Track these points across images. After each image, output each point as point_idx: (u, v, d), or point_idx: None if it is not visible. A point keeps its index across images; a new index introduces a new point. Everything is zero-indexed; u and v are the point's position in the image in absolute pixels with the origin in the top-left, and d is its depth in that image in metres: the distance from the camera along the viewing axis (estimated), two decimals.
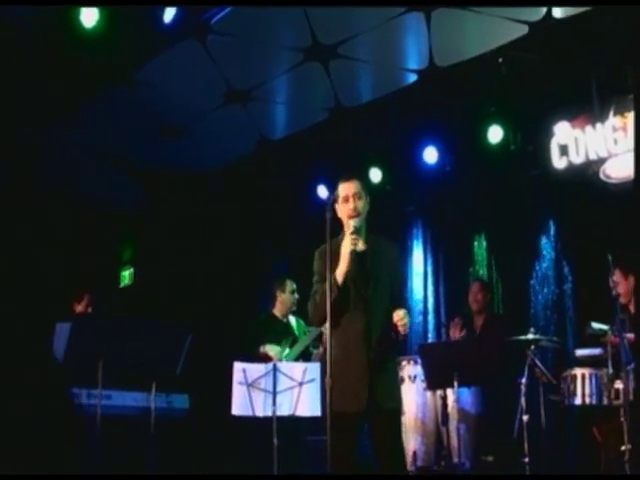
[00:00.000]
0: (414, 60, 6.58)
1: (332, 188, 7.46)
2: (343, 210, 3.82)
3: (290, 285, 6.01)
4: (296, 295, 6.00)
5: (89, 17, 5.72)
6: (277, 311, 6.03)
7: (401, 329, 3.66)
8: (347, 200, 3.81)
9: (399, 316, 3.66)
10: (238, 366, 5.03)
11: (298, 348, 5.70)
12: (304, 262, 6.57)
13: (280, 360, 5.50)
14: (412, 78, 6.76)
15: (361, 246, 3.76)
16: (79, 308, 6.52)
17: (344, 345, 3.71)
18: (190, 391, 6.35)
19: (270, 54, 6.45)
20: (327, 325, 5.16)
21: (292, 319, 6.04)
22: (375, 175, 7.48)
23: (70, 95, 6.61)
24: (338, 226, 3.87)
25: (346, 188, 3.85)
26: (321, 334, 5.46)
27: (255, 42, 6.22)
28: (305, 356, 5.70)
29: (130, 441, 5.60)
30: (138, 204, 8.65)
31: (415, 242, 7.64)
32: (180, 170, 8.08)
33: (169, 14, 5.90)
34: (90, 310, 6.53)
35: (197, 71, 6.54)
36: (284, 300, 5.99)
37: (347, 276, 3.70)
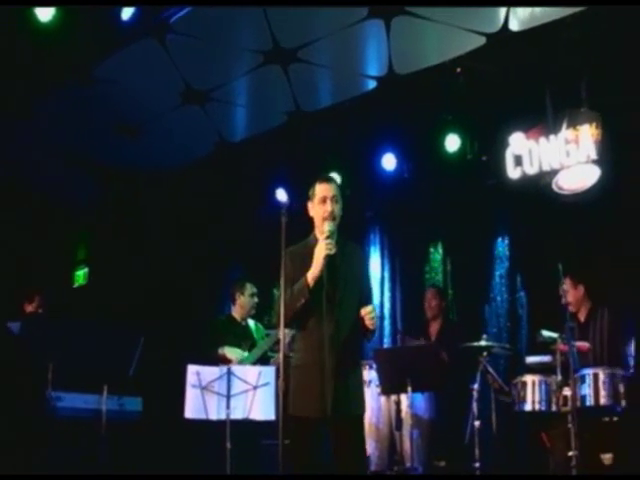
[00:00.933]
0: (374, 67, 6.63)
1: (290, 192, 7.63)
2: (318, 211, 3.76)
3: (250, 288, 5.97)
4: (255, 299, 5.98)
5: (45, 11, 5.61)
6: (236, 314, 5.98)
7: (369, 322, 3.61)
8: (324, 201, 3.75)
9: (367, 310, 3.62)
10: (192, 369, 4.99)
11: (256, 352, 5.67)
12: (260, 265, 6.60)
13: (240, 363, 5.48)
14: (371, 85, 6.81)
15: (332, 250, 3.69)
16: (30, 308, 6.43)
17: (311, 349, 3.66)
18: (143, 393, 6.29)
19: (229, 55, 6.43)
20: (281, 328, 5.25)
21: (251, 322, 6.00)
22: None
23: (25, 91, 6.50)
24: (309, 225, 3.84)
25: (324, 189, 3.78)
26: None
27: (214, 43, 6.19)
28: (263, 361, 5.68)
29: (81, 444, 5.54)
30: (93, 203, 8.53)
31: (373, 247, 7.68)
32: (137, 169, 8.01)
33: (127, 12, 5.83)
34: (41, 310, 6.43)
35: (156, 70, 6.50)
36: (243, 303, 5.94)
37: (321, 280, 3.62)
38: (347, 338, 3.67)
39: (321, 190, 3.78)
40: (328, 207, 3.73)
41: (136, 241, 8.20)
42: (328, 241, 3.63)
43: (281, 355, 3.83)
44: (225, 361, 5.50)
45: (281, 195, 7.81)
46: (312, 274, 3.64)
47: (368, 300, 3.82)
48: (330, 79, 6.90)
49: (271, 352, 5.74)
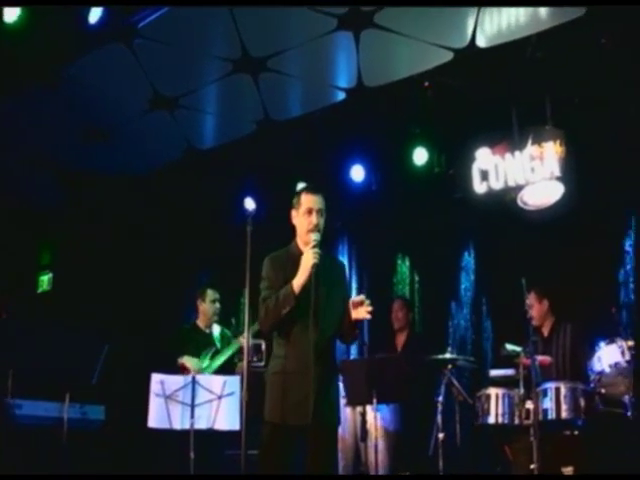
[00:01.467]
0: (343, 78, 6.66)
1: (259, 200, 7.63)
2: (302, 222, 3.74)
3: (211, 294, 5.91)
4: (217, 304, 5.91)
5: (10, 12, 5.49)
6: (200, 322, 5.93)
7: (365, 312, 3.60)
8: (310, 213, 3.73)
9: (361, 299, 3.63)
10: (156, 377, 4.95)
11: (219, 360, 5.63)
12: (228, 273, 6.58)
13: (200, 372, 5.43)
14: (341, 96, 6.85)
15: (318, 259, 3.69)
16: None
17: (294, 356, 3.66)
18: (106, 402, 6.24)
19: (198, 63, 6.40)
20: (244, 335, 5.21)
21: (216, 329, 5.95)
22: None
23: None
24: (277, 233, 3.87)
25: (312, 201, 3.75)
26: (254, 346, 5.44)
27: (183, 49, 6.15)
28: (228, 368, 5.63)
29: (41, 453, 5.46)
30: (59, 207, 8.43)
31: (341, 258, 7.64)
32: (105, 174, 7.92)
33: (95, 15, 5.73)
34: (4, 316, 6.33)
35: (124, 75, 6.44)
36: (205, 310, 5.89)
37: (305, 288, 3.61)
38: (329, 347, 3.70)
39: (307, 201, 3.76)
40: (313, 219, 3.72)
41: (102, 247, 8.11)
42: (316, 250, 3.62)
43: (245, 364, 3.84)
44: (184, 371, 5.46)
45: (249, 204, 7.80)
46: (298, 282, 3.63)
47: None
48: (300, 89, 6.92)
49: (239, 360, 5.67)
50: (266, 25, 5.88)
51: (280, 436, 3.59)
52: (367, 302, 3.64)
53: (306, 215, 3.73)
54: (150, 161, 7.77)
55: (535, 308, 5.56)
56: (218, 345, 5.84)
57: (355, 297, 3.70)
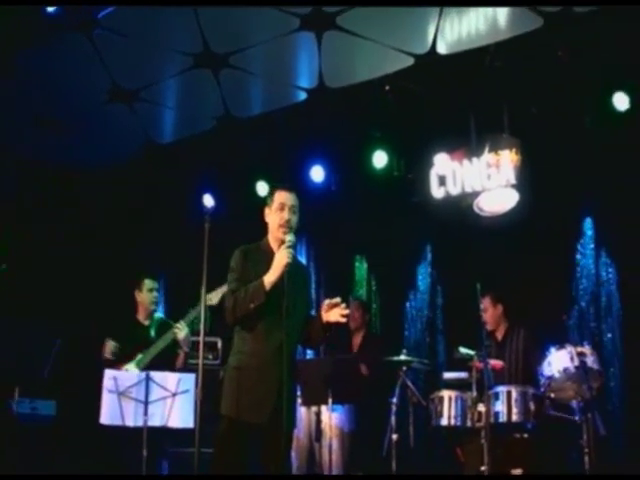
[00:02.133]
0: (305, 79, 6.68)
1: (217, 197, 7.60)
2: (275, 218, 3.76)
3: (148, 283, 5.68)
4: (155, 293, 5.68)
5: None
6: (139, 315, 5.70)
7: (340, 314, 3.64)
8: (282, 209, 3.76)
9: (337, 300, 3.66)
10: (109, 373, 4.88)
11: (151, 353, 5.40)
12: (184, 269, 6.53)
13: (131, 368, 5.29)
14: (302, 96, 6.87)
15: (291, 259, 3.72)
16: None
17: (258, 354, 3.66)
18: (57, 397, 6.16)
19: (159, 55, 6.33)
20: (180, 326, 5.17)
21: (156, 321, 5.73)
22: (262, 189, 7.53)
23: None
24: (263, 230, 3.84)
25: (285, 197, 3.80)
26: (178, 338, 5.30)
27: (143, 41, 6.08)
28: (166, 361, 5.42)
29: None
30: (11, 198, 8.26)
31: (298, 259, 7.70)
32: (61, 165, 7.79)
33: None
34: None
35: (82, 65, 6.33)
36: (142, 300, 5.66)
37: (275, 285, 3.62)
38: (293, 348, 3.73)
39: (281, 197, 3.80)
40: (285, 215, 3.75)
41: (55, 241, 7.98)
42: (290, 250, 3.65)
43: (200, 362, 3.83)
44: (114, 365, 5.31)
45: (208, 201, 7.77)
46: (270, 279, 3.64)
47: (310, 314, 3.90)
48: (261, 87, 6.91)
49: (191, 358, 5.53)
50: (228, 21, 5.85)
51: (235, 431, 3.59)
52: (342, 305, 3.68)
53: (278, 211, 3.77)
54: (108, 154, 7.66)
55: (489, 312, 5.67)
56: (156, 337, 5.59)
57: (329, 300, 3.71)
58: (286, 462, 3.77)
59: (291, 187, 3.87)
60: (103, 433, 4.93)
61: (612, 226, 6.11)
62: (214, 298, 5.19)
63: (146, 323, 5.64)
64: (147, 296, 5.64)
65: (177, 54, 6.30)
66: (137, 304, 5.70)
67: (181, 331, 5.27)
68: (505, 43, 5.83)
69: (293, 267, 3.71)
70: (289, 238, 3.70)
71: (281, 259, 3.63)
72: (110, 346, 5.41)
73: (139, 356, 5.36)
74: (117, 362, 5.34)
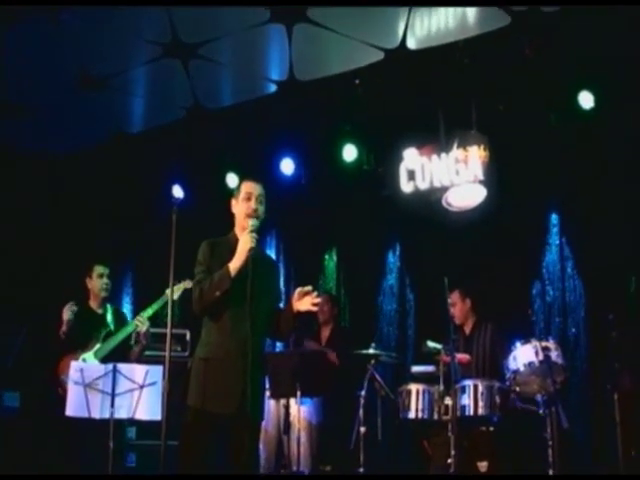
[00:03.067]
0: (275, 71, 6.66)
1: (186, 188, 7.55)
2: (241, 208, 3.78)
3: (98, 269, 5.54)
4: (105, 279, 5.52)
5: None
6: (92, 302, 5.56)
7: (311, 302, 3.67)
8: (249, 199, 3.79)
9: (308, 288, 3.68)
10: (75, 365, 4.81)
11: (111, 344, 5.34)
12: (152, 260, 6.48)
13: (88, 359, 5.22)
14: (272, 88, 6.85)
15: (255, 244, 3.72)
16: None
17: (223, 345, 3.66)
18: (21, 388, 6.09)
19: (127, 44, 6.25)
20: (141, 317, 5.13)
21: (110, 310, 5.62)
22: (232, 180, 7.50)
23: None
24: (230, 222, 3.85)
25: (251, 187, 3.83)
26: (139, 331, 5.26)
27: (112, 29, 5.98)
28: (123, 352, 5.36)
29: None
30: None
31: (268, 251, 7.63)
32: (26, 151, 7.65)
33: None
34: None
35: (51, 51, 6.23)
36: (93, 287, 5.52)
37: (240, 273, 3.62)
38: (259, 338, 3.71)
39: (247, 187, 3.83)
40: (252, 204, 3.77)
41: (20, 227, 7.84)
42: (253, 235, 3.66)
43: (167, 354, 3.81)
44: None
45: (177, 191, 7.72)
46: (234, 265, 3.64)
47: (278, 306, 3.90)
48: (231, 79, 6.89)
49: (150, 350, 5.46)
50: (198, 11, 5.78)
51: (201, 421, 3.60)
52: (314, 294, 3.70)
53: (245, 201, 3.79)
54: (75, 141, 7.56)
55: (458, 307, 5.73)
56: (111, 326, 5.51)
57: (301, 288, 3.73)
58: (253, 454, 3.76)
59: (257, 178, 3.90)
60: (68, 425, 4.89)
61: (577, 222, 6.21)
62: (175, 293, 5.14)
63: (99, 311, 5.53)
64: (97, 282, 5.51)
65: (145, 43, 6.22)
66: (89, 292, 5.57)
67: (142, 324, 5.21)
68: (473, 40, 5.89)
69: (259, 255, 3.74)
70: (251, 222, 3.71)
71: (244, 243, 3.65)
72: (69, 310, 5.30)
73: (97, 346, 5.30)
74: (72, 349, 5.27)
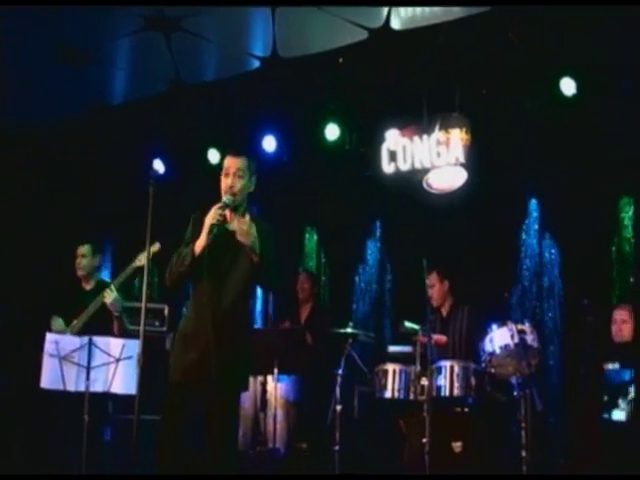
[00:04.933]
0: (258, 47, 6.60)
1: (168, 162, 7.49)
2: (221, 184, 3.74)
3: (77, 250, 5.53)
4: (79, 259, 5.48)
5: None
6: (82, 281, 5.54)
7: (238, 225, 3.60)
8: (227, 175, 3.73)
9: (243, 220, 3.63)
10: (50, 337, 4.82)
11: (83, 317, 5.29)
12: (132, 235, 6.44)
13: (63, 332, 5.18)
14: (255, 64, 6.79)
15: (235, 225, 3.67)
16: None
17: (194, 319, 3.70)
18: None
19: (108, 15, 6.10)
20: (110, 291, 5.09)
21: (98, 283, 5.56)
22: (213, 156, 7.45)
23: None
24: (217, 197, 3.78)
25: (228, 162, 3.77)
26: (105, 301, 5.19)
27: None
28: (103, 325, 5.27)
29: None
30: None
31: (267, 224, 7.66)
32: (6, 124, 7.52)
33: None
34: None
35: (29, 22, 6.10)
36: (79, 263, 5.49)
37: (208, 249, 3.60)
38: (230, 311, 3.67)
39: (226, 163, 3.78)
40: (228, 181, 3.72)
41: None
42: (219, 211, 3.61)
43: (141, 328, 3.80)
44: (51, 330, 5.21)
45: (158, 166, 7.66)
46: (199, 242, 3.64)
47: (268, 280, 3.83)
48: (213, 53, 6.81)
49: (132, 325, 5.35)
50: None
51: (175, 394, 3.63)
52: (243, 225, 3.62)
53: (223, 177, 3.75)
54: (56, 114, 7.44)
55: (436, 288, 5.75)
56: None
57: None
58: (229, 425, 3.72)
59: (238, 152, 3.81)
60: (43, 397, 4.88)
61: (556, 208, 6.25)
62: (143, 259, 5.10)
63: (87, 288, 5.51)
64: (75, 262, 5.51)
65: (127, 15, 6.11)
66: (77, 268, 5.54)
67: (109, 295, 5.16)
68: (458, 23, 5.86)
69: (225, 228, 3.66)
70: (223, 199, 3.68)
71: (207, 219, 3.63)
72: (55, 322, 5.34)
73: (74, 322, 5.29)
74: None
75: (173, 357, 3.74)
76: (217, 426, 3.63)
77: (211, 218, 3.60)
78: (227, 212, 3.68)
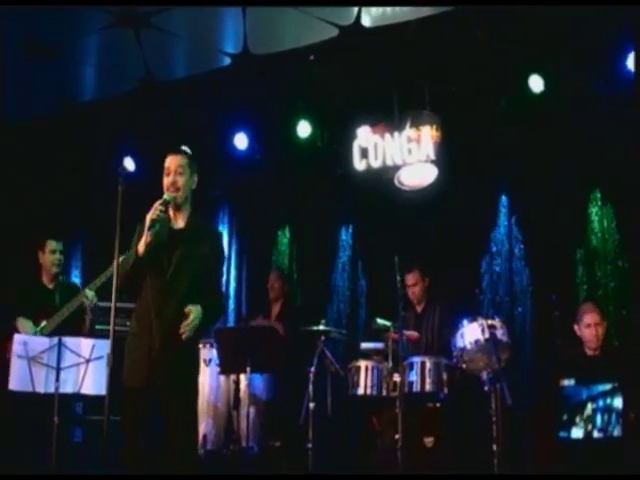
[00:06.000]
0: (229, 44, 6.59)
1: (138, 160, 7.42)
2: (163, 182, 3.80)
3: (50, 244, 5.46)
4: (58, 255, 5.47)
5: None
6: (44, 278, 5.50)
7: (182, 329, 3.64)
8: (168, 174, 3.80)
9: (186, 314, 3.64)
10: (19, 338, 4.76)
11: (56, 320, 5.26)
12: (101, 233, 6.37)
13: (35, 334, 5.14)
14: (226, 61, 6.76)
15: (181, 224, 3.78)
16: None
17: (140, 319, 3.71)
18: None
19: (77, 11, 6.03)
20: (86, 293, 5.07)
21: (62, 283, 5.58)
22: None
23: None
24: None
25: (169, 161, 3.84)
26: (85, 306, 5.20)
27: None
28: (72, 326, 5.26)
29: None
30: None
31: (221, 227, 7.61)
32: None
33: None
34: None
35: None
36: (45, 262, 5.45)
37: (152, 248, 3.64)
38: (176, 312, 3.67)
39: (167, 162, 3.84)
40: (170, 178, 3.78)
41: None
42: (160, 207, 3.66)
43: (111, 327, 3.74)
44: (19, 332, 5.15)
45: (128, 163, 7.59)
46: (142, 242, 3.66)
47: (211, 283, 3.86)
48: (184, 50, 6.78)
49: (99, 324, 5.37)
50: None
51: (127, 397, 3.64)
52: (187, 322, 3.65)
53: (165, 176, 3.81)
54: (25, 111, 7.34)
55: (419, 286, 5.79)
56: (60, 302, 5.40)
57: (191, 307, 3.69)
58: (183, 427, 3.71)
59: (177, 150, 3.91)
60: (11, 399, 4.81)
61: (525, 203, 6.31)
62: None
63: (50, 287, 5.47)
64: (49, 258, 5.44)
65: (96, 11, 6.04)
66: (41, 267, 5.50)
67: (88, 298, 5.14)
68: (427, 20, 5.90)
69: (189, 229, 3.78)
70: (164, 196, 3.74)
71: (147, 217, 3.67)
72: (25, 325, 5.27)
73: (43, 323, 5.23)
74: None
75: (124, 360, 3.72)
76: (173, 428, 3.65)
77: (151, 214, 3.65)
78: (170, 210, 3.76)
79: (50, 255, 5.43)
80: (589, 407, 4.43)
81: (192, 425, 3.78)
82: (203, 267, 3.79)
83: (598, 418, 4.41)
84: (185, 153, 3.90)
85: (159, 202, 3.69)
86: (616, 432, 4.35)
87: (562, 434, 4.50)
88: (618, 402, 4.37)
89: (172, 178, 3.77)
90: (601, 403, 4.40)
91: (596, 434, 4.41)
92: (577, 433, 4.47)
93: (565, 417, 4.49)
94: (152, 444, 3.67)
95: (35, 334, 5.17)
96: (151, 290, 3.68)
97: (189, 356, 3.78)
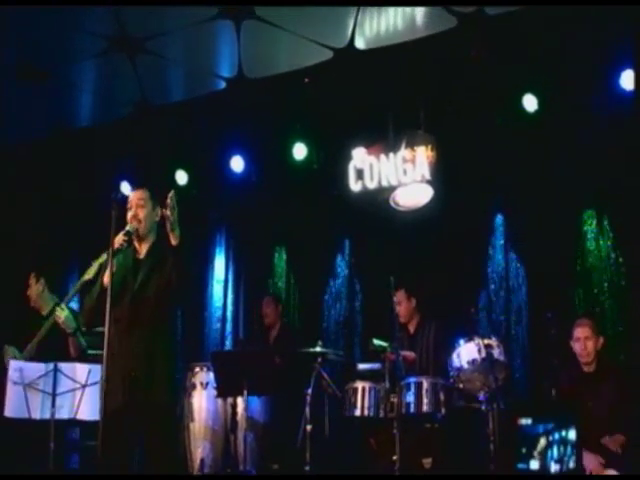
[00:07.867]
0: (224, 67, 6.65)
1: (135, 185, 7.42)
2: (127, 216, 4.05)
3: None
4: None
5: None
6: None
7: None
8: (130, 207, 4.07)
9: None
10: (14, 364, 4.77)
11: (34, 341, 5.22)
12: (97, 257, 6.34)
13: (16, 358, 5.13)
14: (221, 85, 6.82)
15: (144, 253, 4.04)
16: None
17: (115, 342, 3.80)
18: None
19: (71, 36, 6.14)
20: (61, 310, 5.05)
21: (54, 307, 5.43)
22: (181, 178, 7.44)
23: None
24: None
25: (131, 195, 4.14)
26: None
27: (56, 19, 5.83)
28: (59, 348, 5.30)
29: None
30: None
31: (218, 249, 7.68)
32: None
33: None
34: None
35: None
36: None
37: (117, 277, 3.85)
38: (142, 333, 3.89)
39: (129, 198, 4.12)
40: (131, 212, 4.05)
41: None
42: (123, 237, 3.91)
43: (105, 352, 3.76)
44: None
45: (125, 188, 7.61)
46: (107, 272, 3.87)
47: (163, 311, 4.01)
48: (179, 74, 6.85)
49: (91, 349, 5.34)
50: (145, 5, 5.69)
51: (108, 422, 3.65)
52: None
53: (128, 210, 4.06)
54: (22, 135, 7.40)
55: (403, 305, 5.79)
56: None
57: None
58: (159, 441, 3.86)
59: (138, 186, 4.23)
60: (7, 426, 4.80)
61: (521, 223, 6.32)
62: (91, 272, 5.05)
63: (44, 313, 5.49)
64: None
65: (91, 36, 6.12)
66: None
67: (60, 313, 5.06)
68: (421, 41, 5.95)
69: (151, 258, 4.02)
70: (127, 227, 3.99)
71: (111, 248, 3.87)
72: (9, 349, 5.29)
73: (28, 347, 5.22)
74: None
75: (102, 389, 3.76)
76: (153, 451, 3.81)
77: (115, 244, 3.88)
78: (135, 241, 4.04)
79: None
80: (543, 441, 4.46)
81: (167, 440, 3.96)
82: (159, 294, 3.97)
83: (555, 450, 4.44)
84: (146, 188, 4.16)
85: (122, 233, 3.94)
86: (571, 464, 4.37)
87: (522, 466, 4.50)
88: (572, 434, 4.40)
89: (134, 211, 4.03)
90: (557, 436, 4.45)
91: (553, 466, 4.41)
92: (535, 465, 4.48)
93: (524, 451, 4.51)
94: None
95: (20, 358, 5.14)
96: (118, 317, 3.86)
97: (167, 369, 3.99)
